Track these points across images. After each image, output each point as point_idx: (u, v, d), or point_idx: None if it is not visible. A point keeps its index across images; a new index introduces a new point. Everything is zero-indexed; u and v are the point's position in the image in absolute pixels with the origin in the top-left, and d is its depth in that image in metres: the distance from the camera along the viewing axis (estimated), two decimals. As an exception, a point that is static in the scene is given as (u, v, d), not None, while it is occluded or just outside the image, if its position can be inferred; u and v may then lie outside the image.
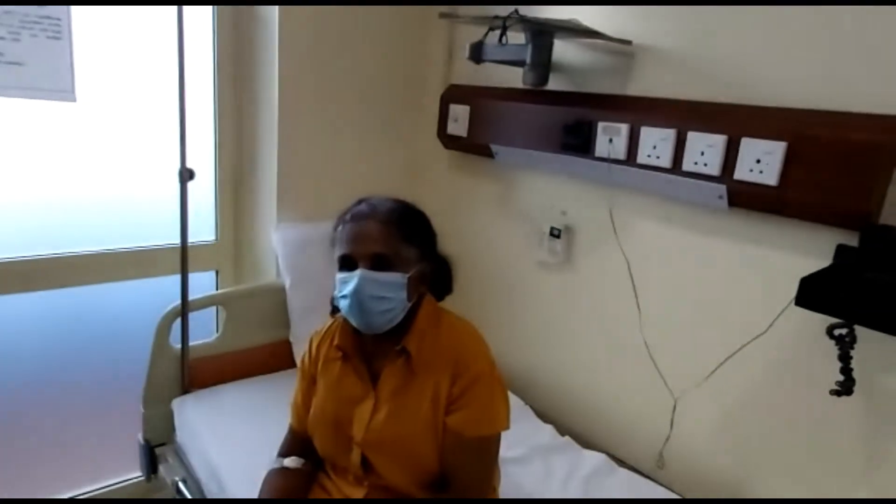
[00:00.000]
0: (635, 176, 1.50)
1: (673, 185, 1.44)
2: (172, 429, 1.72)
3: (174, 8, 1.51)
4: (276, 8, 1.78)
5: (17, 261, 1.71)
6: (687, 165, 1.39)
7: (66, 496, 1.94)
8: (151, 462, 1.71)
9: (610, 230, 1.63)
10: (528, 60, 1.62)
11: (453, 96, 1.99)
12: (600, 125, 1.55)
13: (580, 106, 1.62)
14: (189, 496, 1.54)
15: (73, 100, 1.46)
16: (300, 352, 1.35)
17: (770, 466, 1.40)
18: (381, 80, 2.04)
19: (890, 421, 1.21)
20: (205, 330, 1.88)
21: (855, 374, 1.10)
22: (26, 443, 1.88)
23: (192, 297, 1.72)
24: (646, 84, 1.54)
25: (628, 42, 1.53)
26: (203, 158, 1.96)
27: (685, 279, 1.51)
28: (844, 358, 1.07)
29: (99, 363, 1.95)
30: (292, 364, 1.85)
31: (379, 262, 1.08)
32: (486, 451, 1.15)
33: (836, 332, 1.07)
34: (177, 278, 1.69)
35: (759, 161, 1.27)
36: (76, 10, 1.44)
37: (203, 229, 2.04)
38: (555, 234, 1.77)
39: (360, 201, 1.17)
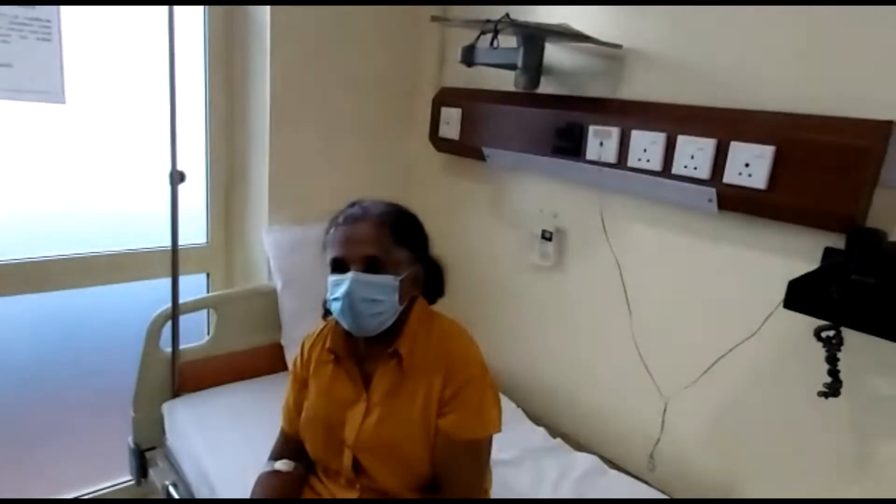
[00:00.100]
0: (626, 179, 1.51)
1: (663, 189, 1.45)
2: (163, 432, 1.71)
3: (165, 8, 1.50)
4: (267, 9, 1.78)
5: (6, 264, 1.69)
6: (677, 169, 1.40)
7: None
8: (141, 466, 1.70)
9: (601, 233, 1.64)
10: (520, 64, 1.63)
11: (445, 99, 1.99)
12: (591, 129, 1.56)
13: (571, 109, 1.63)
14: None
15: (63, 102, 1.45)
16: (292, 355, 1.35)
17: (759, 467, 1.41)
18: (373, 82, 2.04)
19: (876, 422, 1.23)
20: (195, 333, 1.88)
21: (842, 376, 1.11)
22: (15, 446, 1.86)
23: (182, 300, 1.72)
24: (636, 88, 1.55)
25: (618, 46, 1.54)
26: (194, 160, 1.95)
27: (675, 282, 1.52)
28: (831, 360, 1.09)
29: (89, 366, 1.94)
30: (284, 367, 1.84)
31: (371, 265, 1.08)
32: (477, 454, 1.15)
33: (824, 334, 1.08)
34: (167, 281, 1.69)
35: (747, 165, 1.28)
36: (66, 12, 1.43)
37: (194, 232, 2.03)
38: (546, 236, 1.78)
39: (352, 204, 1.17)
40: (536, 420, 1.76)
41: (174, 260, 1.67)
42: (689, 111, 1.43)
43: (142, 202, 1.91)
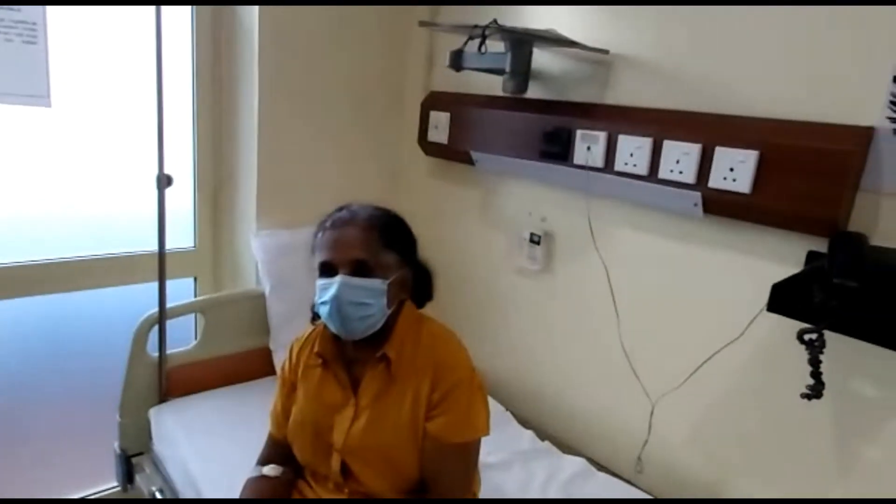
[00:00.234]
0: (613, 183, 1.53)
1: (649, 193, 1.46)
2: (149, 438, 1.70)
3: (152, 9, 1.50)
4: (255, 11, 1.78)
5: (-10, 268, 1.68)
6: (663, 173, 1.41)
7: None
8: (128, 471, 1.69)
9: (588, 237, 1.65)
10: (508, 69, 1.64)
11: (434, 103, 2.00)
12: (578, 133, 1.57)
13: (559, 114, 1.64)
14: (166, 506, 1.52)
15: (48, 105, 1.44)
16: (280, 359, 1.35)
17: (744, 468, 1.43)
18: (361, 86, 2.05)
19: (858, 424, 1.24)
20: (183, 337, 1.86)
21: (825, 378, 1.12)
22: (0, 451, 1.84)
23: (169, 304, 1.71)
24: (623, 93, 1.56)
25: (605, 51, 1.56)
26: (182, 163, 1.94)
27: (662, 285, 1.54)
28: (814, 362, 1.10)
29: (75, 371, 1.92)
30: (272, 371, 1.84)
31: (359, 269, 1.09)
32: (465, 457, 1.15)
33: (806, 336, 1.09)
34: (155, 285, 1.68)
35: (732, 169, 1.30)
36: (51, 15, 1.42)
37: (181, 236, 2.02)
38: (534, 240, 1.79)
39: (340, 208, 1.17)
40: (525, 423, 1.77)
41: (161, 264, 1.66)
42: (675, 116, 1.44)
43: (129, 206, 1.90)
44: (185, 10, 1.86)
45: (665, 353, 1.53)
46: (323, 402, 1.17)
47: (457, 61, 1.63)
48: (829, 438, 1.28)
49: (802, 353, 1.16)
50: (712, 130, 1.35)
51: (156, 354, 1.71)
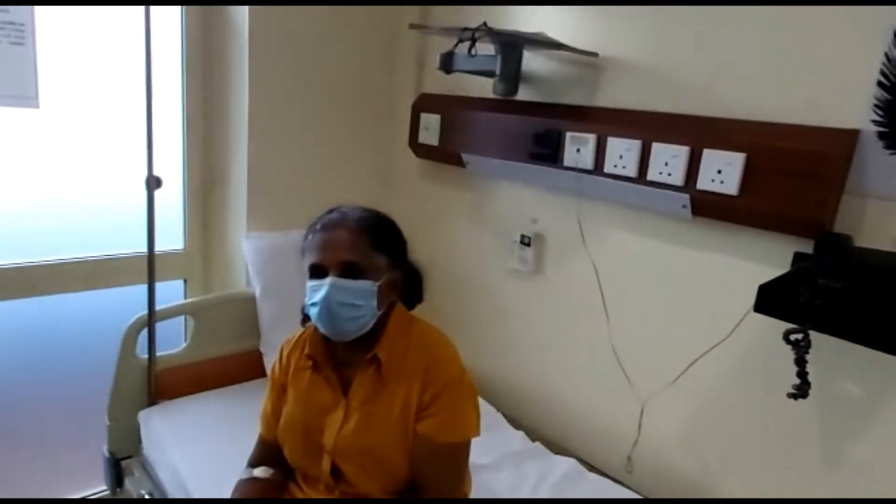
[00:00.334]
0: (602, 185, 1.54)
1: (639, 195, 1.47)
2: (139, 441, 1.69)
3: (141, 10, 1.49)
4: (245, 11, 1.77)
5: (-23, 270, 1.66)
6: (652, 175, 1.42)
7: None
8: (117, 475, 1.68)
9: (579, 238, 1.66)
10: (498, 71, 1.65)
11: (425, 105, 2.00)
12: (568, 135, 1.58)
13: (549, 116, 1.65)
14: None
15: (37, 106, 1.44)
16: (271, 361, 1.35)
17: (732, 468, 1.44)
18: (352, 87, 2.05)
19: (843, 423, 1.26)
20: (173, 340, 1.85)
21: (811, 378, 1.13)
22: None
23: (159, 306, 1.70)
24: (612, 95, 1.57)
25: (595, 54, 1.57)
26: (171, 165, 1.93)
27: (651, 286, 1.55)
28: (800, 362, 1.11)
29: (63, 374, 1.91)
30: (262, 374, 1.83)
31: (349, 270, 1.09)
32: (456, 458, 1.16)
33: (792, 337, 1.10)
34: (144, 288, 1.67)
35: (720, 171, 1.31)
36: (40, 16, 1.41)
37: (171, 237, 2.01)
38: (525, 242, 1.79)
39: (330, 210, 1.17)
40: (515, 424, 1.77)
41: (150, 266, 1.65)
42: (664, 119, 1.45)
43: (118, 208, 1.89)
44: (175, 11, 1.86)
45: (654, 353, 1.54)
46: (313, 404, 1.17)
47: (447, 63, 1.64)
48: (815, 437, 1.29)
49: (790, 354, 1.18)
50: (700, 133, 1.36)
51: (145, 357, 1.70)
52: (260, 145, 1.89)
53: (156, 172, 1.60)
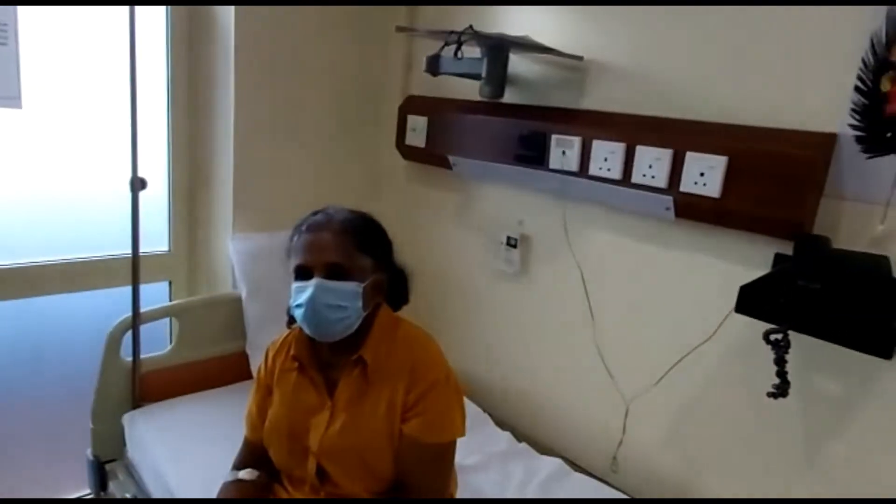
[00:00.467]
0: (587, 187, 1.55)
1: (623, 197, 1.49)
2: (123, 444, 1.67)
3: (126, 10, 1.49)
4: (231, 12, 1.77)
5: (-43, 272, 1.64)
6: (636, 178, 1.44)
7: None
8: (101, 478, 1.66)
9: (564, 240, 1.68)
10: (484, 74, 1.66)
11: (412, 107, 2.01)
12: (554, 138, 1.59)
13: (535, 119, 1.66)
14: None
15: (19, 107, 1.42)
16: (257, 363, 1.34)
17: (715, 467, 1.46)
18: (339, 89, 2.05)
19: (821, 421, 1.28)
20: (158, 342, 1.84)
21: (790, 377, 1.15)
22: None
23: (144, 308, 1.69)
24: (597, 99, 1.59)
25: (580, 58, 1.58)
26: (156, 165, 1.92)
27: (636, 287, 1.56)
28: (780, 362, 1.13)
29: (46, 377, 1.89)
30: (249, 376, 1.82)
31: (334, 272, 1.09)
32: (441, 458, 1.16)
33: (772, 337, 1.12)
34: (128, 289, 1.66)
35: (702, 174, 1.33)
36: (23, 15, 1.40)
37: (156, 239, 2.00)
38: (511, 243, 1.80)
39: (315, 212, 1.17)
40: (502, 424, 1.78)
41: (135, 267, 1.64)
42: (648, 122, 1.47)
43: (102, 209, 1.88)
44: (160, 11, 1.85)
45: (639, 353, 1.56)
46: (299, 406, 1.17)
47: (433, 66, 1.64)
48: (794, 436, 1.32)
49: (770, 354, 1.19)
50: (683, 136, 1.38)
51: (129, 359, 1.69)
52: (246, 146, 1.88)
53: (140, 173, 1.59)
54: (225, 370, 1.84)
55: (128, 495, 1.56)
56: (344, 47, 2.02)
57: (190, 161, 2.00)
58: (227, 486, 1.21)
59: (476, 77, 1.68)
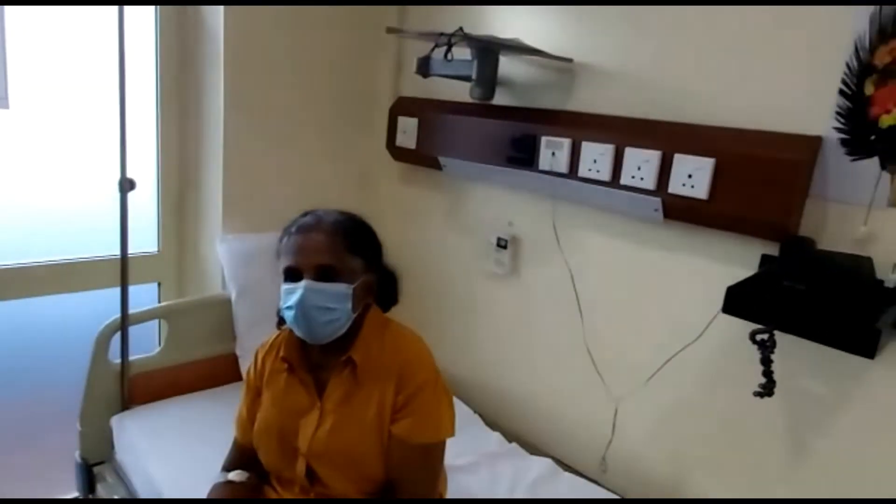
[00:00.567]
0: (577, 189, 1.56)
1: (612, 198, 1.50)
2: (111, 447, 1.66)
3: (114, 10, 1.48)
4: (220, 12, 1.76)
5: (-57, 274, 1.63)
6: (625, 179, 1.45)
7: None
8: (89, 481, 1.65)
9: (554, 241, 1.69)
10: (474, 76, 1.66)
11: (402, 108, 2.01)
12: (543, 139, 1.60)
13: (525, 120, 1.67)
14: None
15: (6, 107, 1.42)
16: (247, 365, 1.34)
17: (702, 466, 1.47)
18: (329, 90, 2.04)
19: (807, 420, 1.29)
20: (146, 344, 1.83)
21: (776, 377, 1.17)
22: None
23: (132, 310, 1.68)
24: (586, 100, 1.60)
25: (569, 60, 1.59)
26: (145, 166, 1.91)
27: (624, 288, 1.57)
28: (766, 361, 1.14)
29: (34, 379, 1.87)
30: (238, 378, 1.82)
31: (324, 273, 1.09)
32: (430, 458, 1.16)
33: (758, 337, 1.13)
34: (116, 291, 1.65)
35: (690, 176, 1.34)
36: (10, 15, 1.39)
37: (144, 240, 1.99)
38: (501, 244, 1.81)
39: (305, 213, 1.18)
40: (492, 425, 1.78)
41: (123, 269, 1.63)
42: (637, 124, 1.48)
43: (90, 210, 1.87)
44: (149, 11, 1.84)
45: (628, 354, 1.57)
46: (288, 407, 1.17)
47: (423, 68, 1.65)
48: (780, 435, 1.33)
49: (757, 353, 1.21)
50: (672, 138, 1.39)
51: (118, 361, 1.68)
52: (235, 147, 1.87)
53: (129, 174, 1.58)
54: (214, 372, 1.83)
55: (116, 497, 1.55)
56: (334, 49, 2.01)
57: (179, 162, 1.99)
58: (217, 487, 1.20)
59: (466, 79, 1.69)
